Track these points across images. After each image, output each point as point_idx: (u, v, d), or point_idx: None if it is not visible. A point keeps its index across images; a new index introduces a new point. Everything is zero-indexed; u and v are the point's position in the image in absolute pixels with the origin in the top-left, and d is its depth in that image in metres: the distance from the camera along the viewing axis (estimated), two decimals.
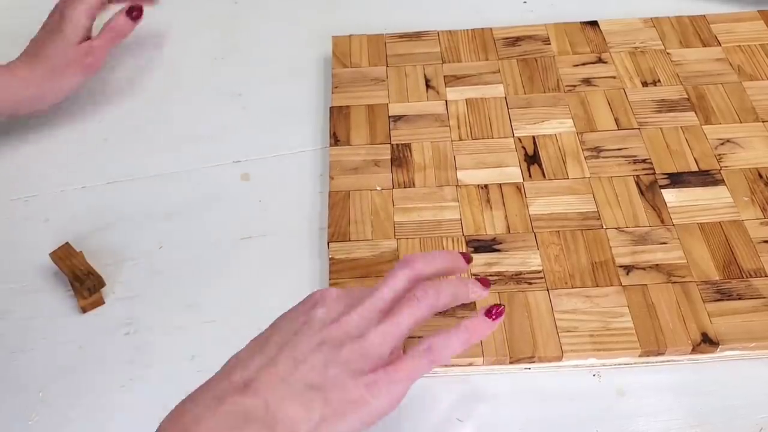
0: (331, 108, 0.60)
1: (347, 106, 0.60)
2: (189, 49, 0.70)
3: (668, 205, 0.52)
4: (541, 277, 0.48)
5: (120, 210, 0.57)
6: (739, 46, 0.63)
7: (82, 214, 0.57)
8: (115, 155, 0.61)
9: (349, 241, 0.51)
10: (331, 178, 0.55)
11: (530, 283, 0.48)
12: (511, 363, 0.45)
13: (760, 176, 0.53)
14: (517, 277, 0.48)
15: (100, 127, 0.63)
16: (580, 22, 0.66)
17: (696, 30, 0.64)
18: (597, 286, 0.48)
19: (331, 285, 0.49)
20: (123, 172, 0.59)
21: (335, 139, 0.58)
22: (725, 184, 0.53)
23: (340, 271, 0.49)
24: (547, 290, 0.48)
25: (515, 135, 0.57)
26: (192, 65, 0.68)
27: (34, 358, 0.49)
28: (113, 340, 0.49)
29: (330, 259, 0.50)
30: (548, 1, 0.71)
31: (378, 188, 0.54)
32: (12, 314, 0.51)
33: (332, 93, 0.61)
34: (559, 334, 0.45)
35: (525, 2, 0.71)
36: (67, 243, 0.52)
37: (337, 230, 0.52)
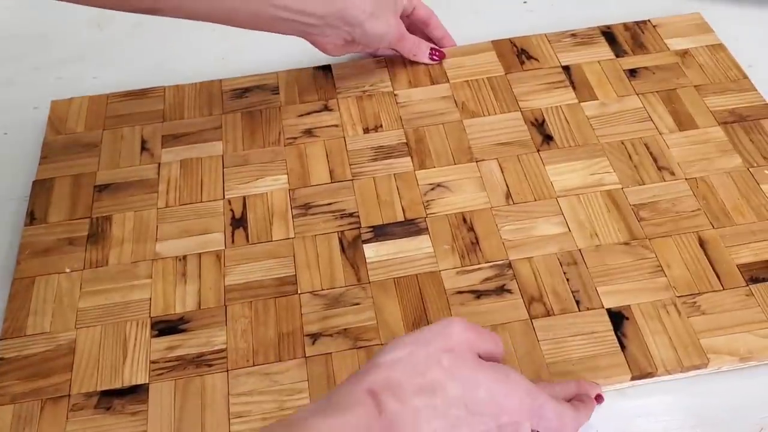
0: (33, 182, 0.56)
1: (51, 179, 0.56)
2: (190, 49, 0.68)
3: (367, 261, 0.50)
4: (224, 357, 0.45)
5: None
6: (467, 81, 0.62)
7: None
8: None
9: (24, 336, 0.47)
10: (18, 263, 0.51)
11: (210, 365, 0.45)
12: None
13: (464, 221, 0.52)
14: (198, 360, 0.45)
15: None
16: (313, 67, 0.64)
17: (427, 67, 0.63)
18: (280, 360, 0.45)
19: None
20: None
21: (31, 218, 0.54)
22: (428, 233, 0.52)
23: (6, 373, 0.45)
24: (227, 371, 0.45)
25: (226, 197, 0.54)
26: (193, 65, 0.67)
27: None
28: None
29: None
30: (548, 1, 0.71)
31: (67, 270, 0.50)
32: None
33: (39, 165, 0.57)
34: (230, 420, 0.43)
35: (525, 2, 0.71)
36: None
37: (13, 325, 0.47)
